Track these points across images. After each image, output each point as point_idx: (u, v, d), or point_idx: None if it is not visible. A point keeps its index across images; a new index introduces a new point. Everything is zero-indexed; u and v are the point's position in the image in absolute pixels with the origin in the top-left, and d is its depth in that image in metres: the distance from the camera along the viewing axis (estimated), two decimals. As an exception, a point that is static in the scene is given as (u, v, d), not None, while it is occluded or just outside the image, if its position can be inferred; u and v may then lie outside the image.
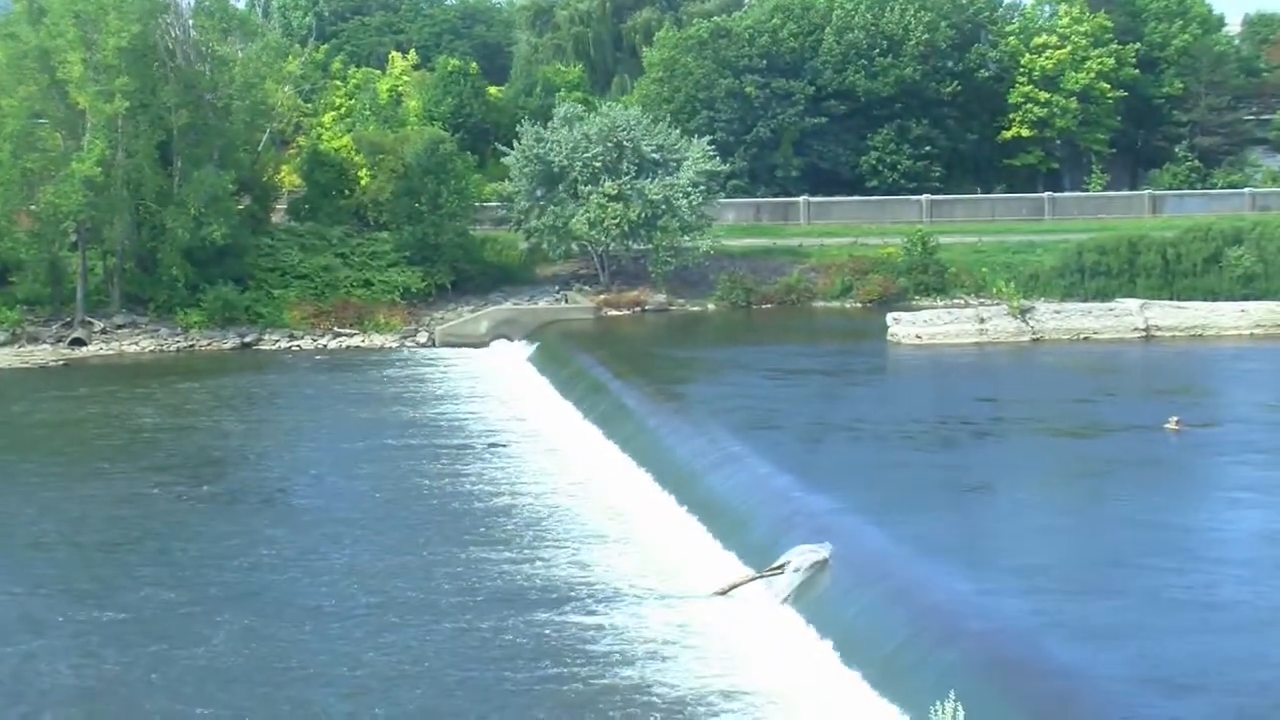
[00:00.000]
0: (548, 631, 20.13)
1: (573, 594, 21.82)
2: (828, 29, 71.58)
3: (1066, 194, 70.00)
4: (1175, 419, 29.35)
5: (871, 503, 23.82)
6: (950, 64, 72.21)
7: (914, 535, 21.57)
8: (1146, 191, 69.34)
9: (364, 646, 19.71)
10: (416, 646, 19.70)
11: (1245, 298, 51.35)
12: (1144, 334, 45.87)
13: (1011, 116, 72.49)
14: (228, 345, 51.97)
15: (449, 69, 71.13)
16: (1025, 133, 72.07)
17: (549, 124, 59.10)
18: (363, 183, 60.16)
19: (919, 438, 29.78)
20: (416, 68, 74.22)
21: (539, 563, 23.66)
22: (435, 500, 28.26)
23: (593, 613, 20.90)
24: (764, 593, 21.01)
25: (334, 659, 19.22)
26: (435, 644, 19.82)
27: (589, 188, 56.65)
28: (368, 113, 66.60)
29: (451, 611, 21.13)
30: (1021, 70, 72.67)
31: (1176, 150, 73.59)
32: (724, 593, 21.27)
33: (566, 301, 56.67)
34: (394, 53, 76.90)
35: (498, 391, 42.34)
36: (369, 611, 21.21)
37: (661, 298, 56.64)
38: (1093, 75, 71.88)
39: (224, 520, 26.85)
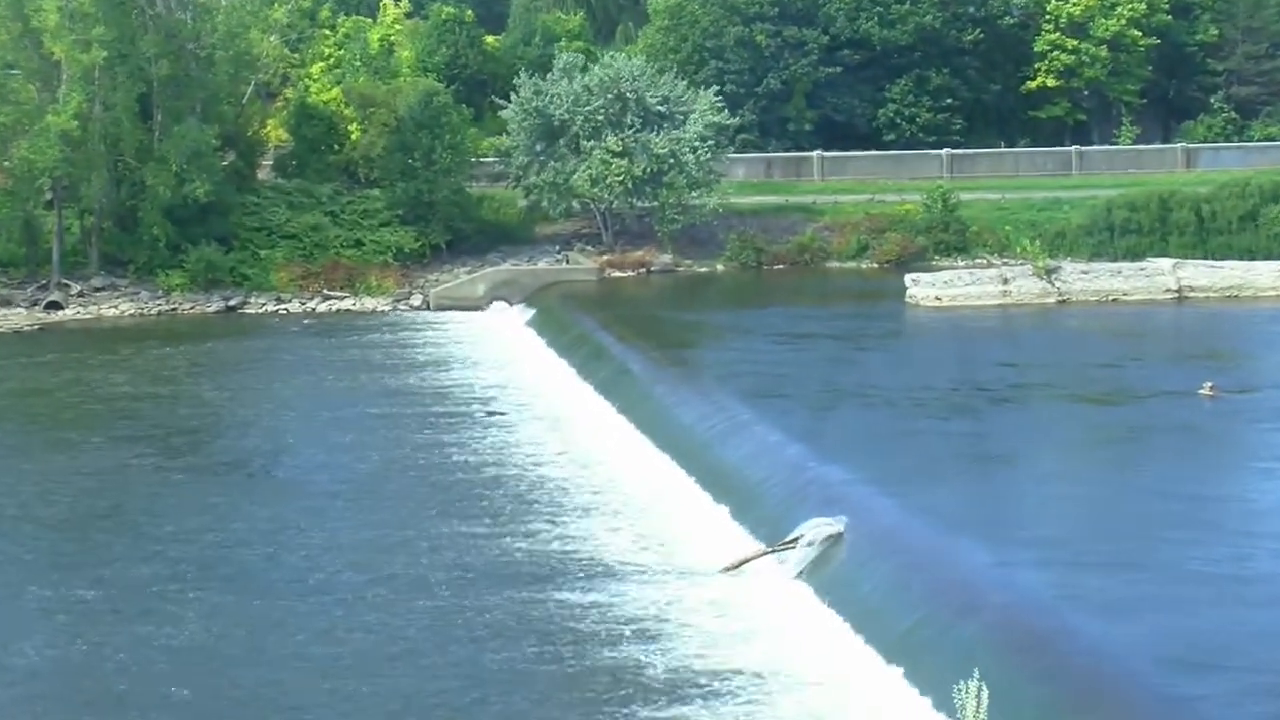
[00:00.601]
0: (537, 610, 20.00)
1: (569, 570, 21.74)
2: (843, -27, 72.83)
3: (1095, 148, 69.52)
4: (1209, 384, 29.18)
5: (887, 473, 23.80)
6: (972, 10, 71.62)
7: (932, 507, 21.56)
8: (1179, 145, 68.69)
9: (343, 625, 19.62)
10: (398, 625, 19.63)
11: (1284, 256, 52.45)
12: (1176, 295, 45.59)
13: (1037, 66, 71.74)
14: (211, 309, 51.78)
15: (443, 17, 70.69)
16: (1051, 83, 71.38)
17: (548, 75, 58.73)
18: (353, 137, 59.76)
19: (937, 405, 29.76)
20: (409, 16, 73.72)
21: (532, 537, 23.58)
22: (424, 472, 28.21)
23: (590, 590, 20.74)
24: (776, 568, 20.99)
25: (312, 637, 19.11)
26: (418, 623, 19.70)
27: (591, 142, 56.35)
28: (358, 63, 65.90)
29: (436, 589, 21.01)
30: (1048, 17, 71.81)
31: (1211, 101, 72.78)
32: (733, 568, 21.19)
33: (567, 262, 56.31)
34: (385, 0, 77.90)
35: (495, 357, 42.28)
36: (349, 589, 21.10)
37: (667, 258, 56.40)
38: (1123, 22, 71.12)
39: (200, 493, 26.74)
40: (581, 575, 21.55)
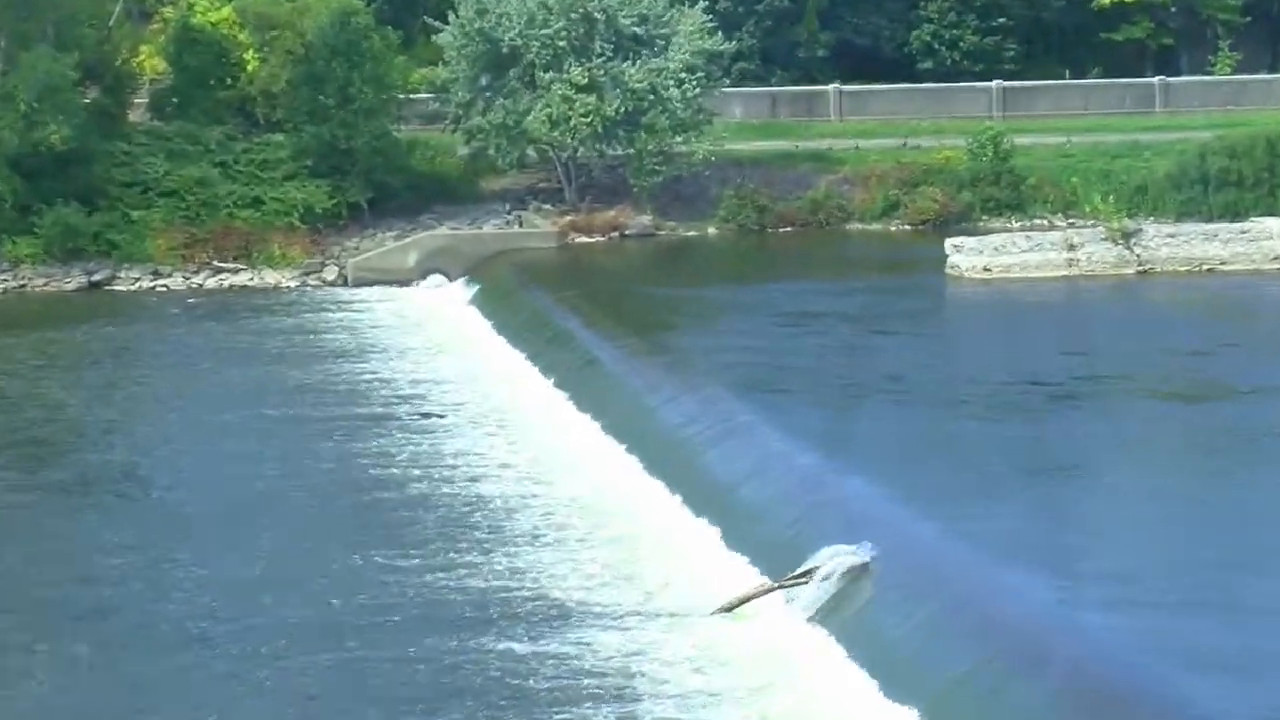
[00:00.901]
0: (474, 665, 19.68)
1: (516, 613, 21.48)
2: None
3: (1184, 78, 69.62)
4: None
5: (923, 489, 23.77)
6: (1030, -94, 73.61)
7: (980, 532, 21.52)
8: (1291, 75, 70.85)
9: (229, 685, 19.34)
10: (298, 685, 19.40)
11: None
12: (1288, 264, 47.69)
13: (1111, -24, 74.38)
14: (70, 285, 51.36)
15: (363, -84, 72.95)
16: (1129, -2, 73.97)
17: (496, -11, 60.63)
18: (249, 69, 59.35)
19: (985, 403, 29.71)
20: (320, -85, 74.91)
21: (470, 571, 23.38)
22: (336, 490, 28.16)
23: (542, 638, 20.50)
24: (783, 609, 20.91)
25: (189, 702, 18.80)
26: (322, 682, 19.49)
27: (550, 74, 55.86)
28: (255, -25, 67.71)
29: (347, 638, 20.78)
30: (1124, -85, 74.29)
31: (1331, 20, 74.86)
32: (730, 609, 21.07)
33: (521, 225, 56.26)
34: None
35: (429, 344, 42.20)
36: (237, 638, 20.85)
37: (646, 219, 56.23)
38: (1220, -80, 73.12)
39: (54, 518, 26.58)
40: (532, 620, 21.26)
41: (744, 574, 22.42)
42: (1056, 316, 40.27)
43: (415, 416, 33.64)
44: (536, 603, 22.13)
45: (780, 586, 21.24)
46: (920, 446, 26.84)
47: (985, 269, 45.48)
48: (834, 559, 20.88)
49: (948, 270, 45.53)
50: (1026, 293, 43.15)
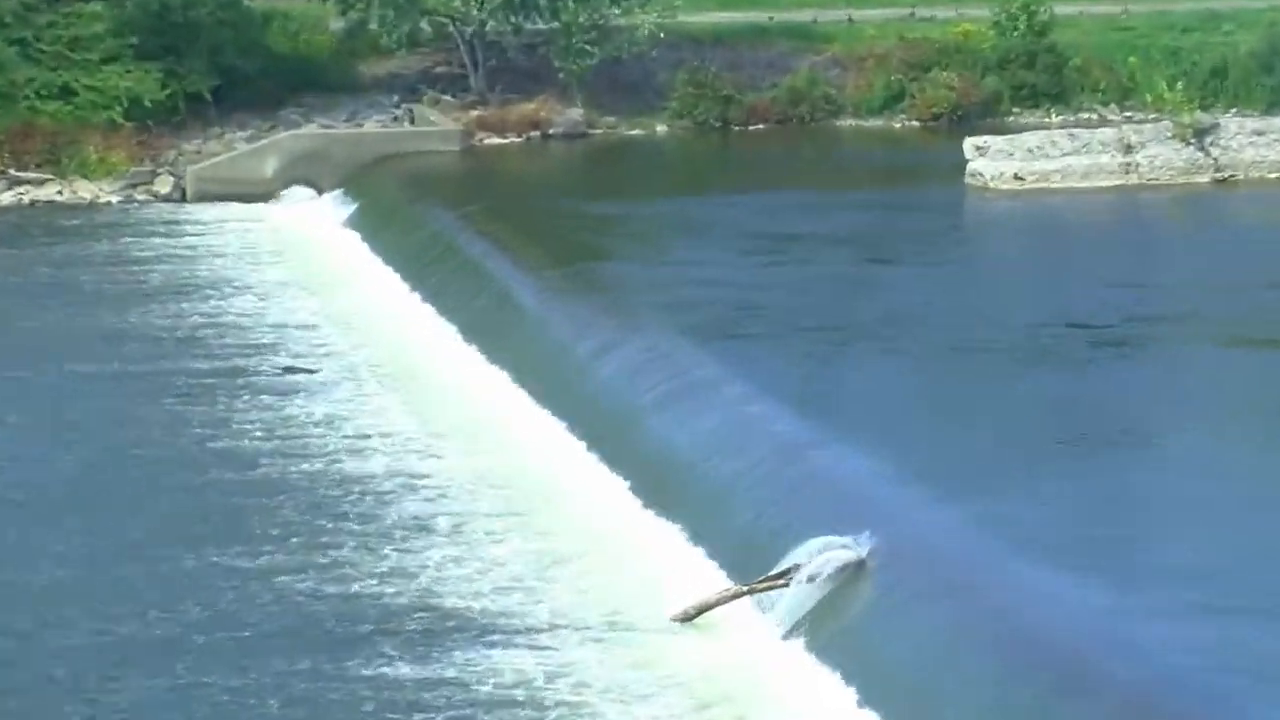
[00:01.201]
0: (339, 693, 19.73)
1: (396, 626, 21.67)
2: None
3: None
4: None
5: (936, 463, 23.77)
6: None
7: (1007, 518, 21.46)
8: None
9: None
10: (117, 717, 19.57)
11: None
12: None
13: None
14: None
15: None
16: None
17: None
18: (52, -86, 60.98)
19: (1013, 352, 29.94)
20: None
21: (338, 572, 23.55)
22: (166, 469, 28.19)
23: (430, 658, 20.65)
24: (755, 618, 20.97)
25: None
26: (148, 712, 19.32)
27: (450, -79, 57.68)
28: None
29: (177, 659, 20.65)
30: None
31: None
32: (686, 619, 21.29)
33: (413, 122, 56.07)
34: None
35: (293, 278, 42.20)
36: (34, 659, 20.68)
37: (576, 115, 55.95)
38: None
39: None
40: (418, 636, 21.33)
41: (704, 574, 22.35)
42: (1106, 239, 40.24)
43: (273, 373, 33.58)
44: (424, 614, 21.99)
45: (751, 591, 21.14)
46: (930, 409, 26.75)
47: (1016, 177, 45.39)
48: (821, 555, 20.79)
49: (968, 179, 45.49)
50: (1069, 208, 43.28)
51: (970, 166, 45.83)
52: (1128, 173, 45.81)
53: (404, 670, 20.32)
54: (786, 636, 20.52)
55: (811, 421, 25.63)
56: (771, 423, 25.82)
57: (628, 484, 25.94)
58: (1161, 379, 28.50)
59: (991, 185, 45.41)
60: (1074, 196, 44.38)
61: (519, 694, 19.70)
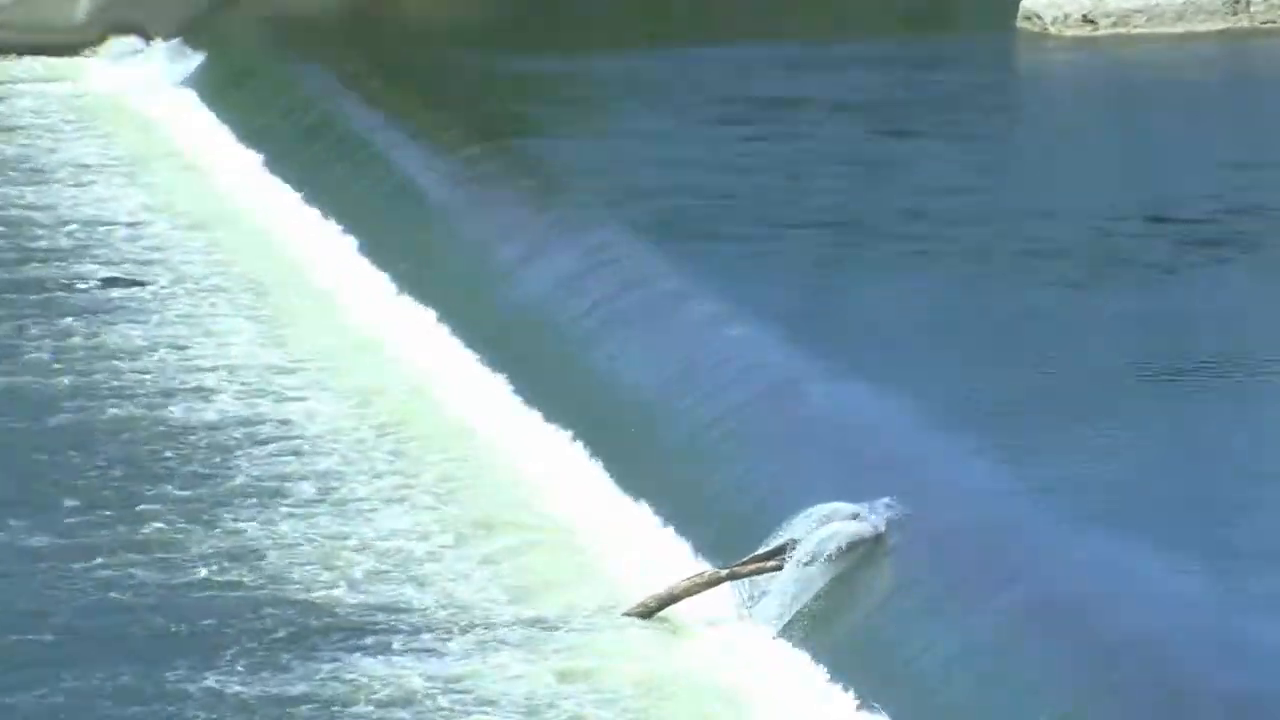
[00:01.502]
0: (153, 714, 18.58)
1: (253, 628, 20.29)
2: None
3: None
4: None
5: (974, 406, 22.57)
6: None
7: (1070, 479, 20.16)
8: None
9: None
10: None
11: None
12: None
13: None
14: None
15: None
16: None
17: None
18: None
19: (1077, 256, 28.75)
20: None
21: (157, 555, 22.04)
22: None
23: (290, 667, 19.47)
24: (736, 613, 20.14)
25: None
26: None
27: None
28: None
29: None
30: None
31: None
32: (647, 614, 20.35)
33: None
34: None
35: (115, 157, 41.97)
36: None
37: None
38: None
39: None
40: (266, 638, 20.09)
41: (671, 553, 21.26)
42: (1205, 103, 39.59)
43: (85, 287, 33.42)
44: (274, 609, 20.86)
45: (733, 576, 20.10)
46: (967, 334, 25.33)
47: (1086, 20, 45.29)
48: (824, 528, 19.74)
49: (1020, 23, 45.36)
50: (1155, 61, 43.42)
51: (1024, 4, 45.73)
52: (1237, 13, 45.85)
53: (246, 685, 19.13)
54: (779, 637, 19.33)
55: (810, 350, 24.16)
56: (757, 352, 24.32)
57: (569, 434, 25.01)
58: (1274, 291, 27.65)
59: (1052, 30, 45.21)
60: (1162, 47, 44.38)
61: (397, 713, 18.66)
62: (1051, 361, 24.62)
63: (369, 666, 19.75)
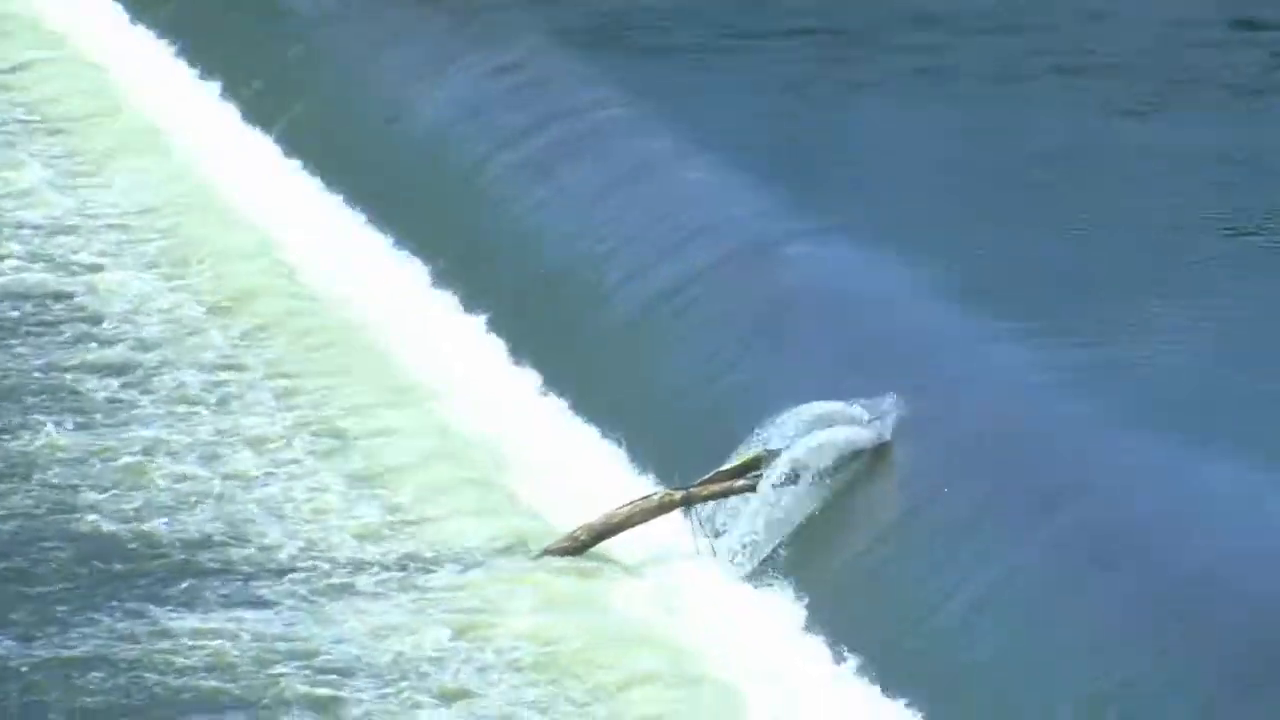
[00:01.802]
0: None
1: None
2: None
3: None
4: None
5: (1003, 272, 22.17)
6: None
7: (1126, 369, 19.74)
8: None
9: None
10: None
11: None
12: None
13: None
14: None
15: None
16: None
17: None
18: None
19: (1132, 73, 28.82)
20: None
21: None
22: None
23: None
24: (694, 548, 19.91)
25: None
26: None
27: None
28: None
29: None
30: None
31: None
32: (573, 550, 20.42)
33: None
34: None
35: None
36: None
37: None
38: None
39: None
40: (80, 586, 19.81)
41: (607, 468, 21.13)
42: None
43: None
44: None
45: (689, 500, 19.65)
46: (993, 176, 25.27)
47: None
48: (809, 436, 19.47)
49: None
50: None
51: None
52: None
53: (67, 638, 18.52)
54: (747, 580, 19.04)
55: (789, 200, 24.00)
56: (723, 200, 24.35)
57: (484, 319, 25.11)
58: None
59: None
60: None
61: (251, 683, 18.22)
62: (1099, 214, 24.14)
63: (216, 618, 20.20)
